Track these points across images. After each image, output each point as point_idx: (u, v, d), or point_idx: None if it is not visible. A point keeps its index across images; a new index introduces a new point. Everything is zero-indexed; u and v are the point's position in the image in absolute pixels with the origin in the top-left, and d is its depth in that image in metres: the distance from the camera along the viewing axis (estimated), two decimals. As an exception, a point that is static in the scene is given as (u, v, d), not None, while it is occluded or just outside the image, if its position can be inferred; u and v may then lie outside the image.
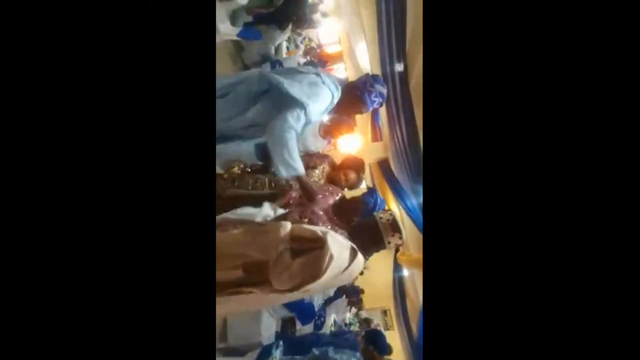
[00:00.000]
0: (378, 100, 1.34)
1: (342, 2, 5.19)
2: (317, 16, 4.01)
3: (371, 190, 1.52)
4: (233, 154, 1.51)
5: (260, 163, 1.60)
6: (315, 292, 0.98)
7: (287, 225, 0.93)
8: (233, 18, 2.18)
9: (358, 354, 2.07)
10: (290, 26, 3.32)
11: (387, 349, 2.47)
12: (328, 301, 3.87)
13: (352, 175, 1.53)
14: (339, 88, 1.26)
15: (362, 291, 5.08)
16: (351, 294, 4.48)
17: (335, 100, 1.27)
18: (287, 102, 1.14)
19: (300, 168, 1.17)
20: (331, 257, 0.83)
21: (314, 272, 0.84)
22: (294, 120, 1.15)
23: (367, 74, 1.38)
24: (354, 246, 0.95)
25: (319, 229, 0.90)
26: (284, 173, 1.17)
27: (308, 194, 1.25)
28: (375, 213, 1.12)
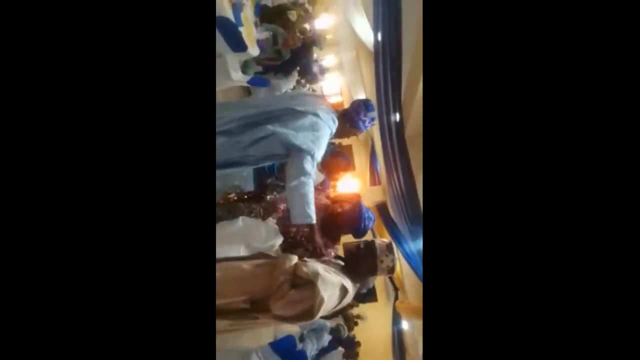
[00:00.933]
0: (371, 123, 1.46)
1: (344, 60, 5.64)
2: (320, 70, 4.35)
3: (356, 204, 1.52)
4: (231, 177, 1.56)
5: (255, 189, 1.64)
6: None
7: (294, 259, 1.03)
8: (244, 67, 2.38)
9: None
10: (295, 75, 3.60)
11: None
12: (322, 352, 3.64)
13: (348, 207, 1.57)
14: (335, 121, 1.35)
15: (358, 344, 4.78)
16: (347, 345, 4.22)
17: (333, 132, 1.37)
18: (295, 148, 1.23)
19: (314, 217, 1.22)
20: (322, 300, 0.92)
21: (307, 308, 0.92)
22: (310, 167, 1.20)
23: (358, 101, 1.47)
24: (345, 284, 1.02)
25: (310, 271, 0.97)
26: (299, 221, 1.21)
27: (314, 243, 1.28)
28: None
